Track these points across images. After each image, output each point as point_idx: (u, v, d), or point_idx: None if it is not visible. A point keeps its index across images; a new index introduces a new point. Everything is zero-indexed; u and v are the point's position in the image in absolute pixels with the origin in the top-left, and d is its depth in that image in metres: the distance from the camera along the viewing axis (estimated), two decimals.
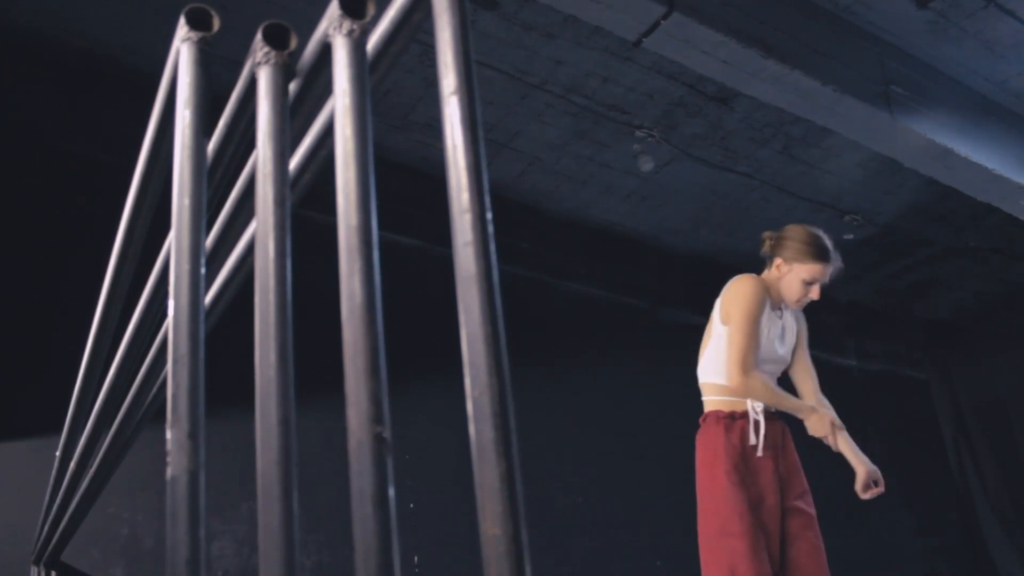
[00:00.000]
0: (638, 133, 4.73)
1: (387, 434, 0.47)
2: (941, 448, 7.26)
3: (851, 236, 5.89)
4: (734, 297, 2.61)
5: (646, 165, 4.81)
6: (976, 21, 4.01)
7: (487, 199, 0.48)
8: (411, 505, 4.10)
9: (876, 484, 2.64)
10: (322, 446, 3.82)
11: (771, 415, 2.59)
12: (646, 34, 3.39)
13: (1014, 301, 7.01)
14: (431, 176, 4.77)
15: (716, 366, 2.61)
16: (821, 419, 2.61)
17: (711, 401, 2.63)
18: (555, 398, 4.91)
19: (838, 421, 2.65)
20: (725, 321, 2.60)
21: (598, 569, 4.54)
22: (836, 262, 2.76)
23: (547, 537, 4.48)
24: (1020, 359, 6.96)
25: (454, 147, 0.49)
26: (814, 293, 2.70)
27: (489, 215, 0.48)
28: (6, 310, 3.42)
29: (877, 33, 4.08)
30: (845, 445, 2.66)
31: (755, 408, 2.56)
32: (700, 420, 2.63)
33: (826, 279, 2.72)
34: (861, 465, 2.65)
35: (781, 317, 2.74)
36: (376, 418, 0.47)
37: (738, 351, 2.51)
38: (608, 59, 4.18)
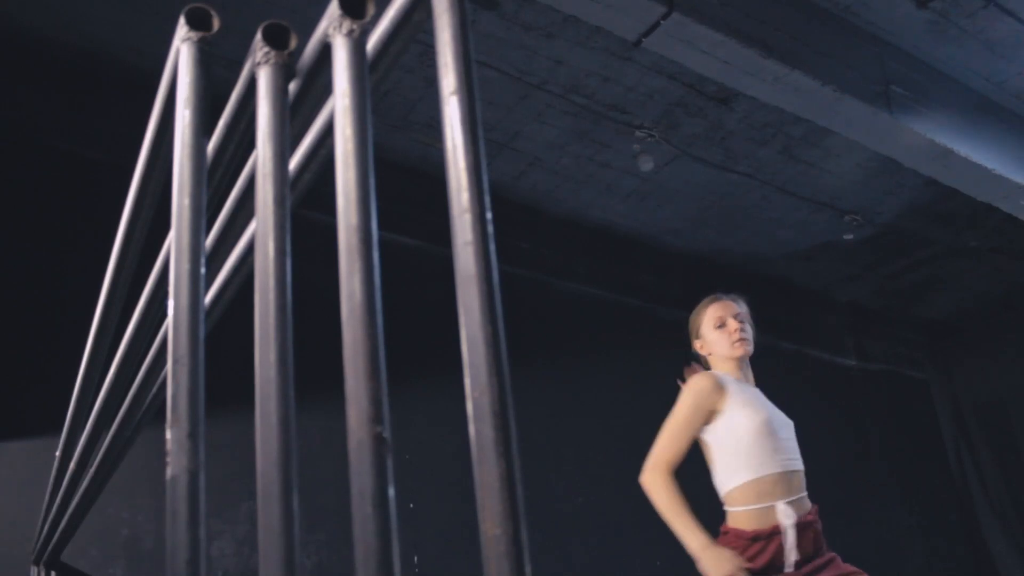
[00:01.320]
0: (638, 133, 4.73)
1: (387, 434, 0.47)
2: (941, 448, 7.26)
3: (851, 236, 5.90)
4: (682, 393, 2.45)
5: (646, 165, 4.81)
6: (976, 21, 4.01)
7: (487, 199, 0.48)
8: (411, 505, 4.10)
9: None
10: (322, 446, 3.82)
11: (803, 526, 2.31)
12: (646, 34, 3.39)
13: (1014, 301, 7.01)
14: (431, 176, 4.77)
15: (723, 470, 2.40)
16: (717, 561, 2.17)
17: (734, 516, 2.35)
18: (555, 398, 4.91)
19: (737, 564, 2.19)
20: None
21: (598, 569, 4.54)
22: (728, 296, 2.59)
23: (547, 537, 4.48)
24: (1020, 359, 6.96)
25: (454, 147, 0.49)
26: (732, 326, 2.49)
27: (489, 215, 0.48)
28: (6, 310, 3.42)
29: (877, 33, 4.08)
30: None
31: (787, 517, 2.28)
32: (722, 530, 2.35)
33: (733, 311, 2.53)
34: None
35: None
36: (376, 418, 0.47)
37: (659, 448, 2.35)
38: (608, 59, 4.18)
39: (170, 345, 0.59)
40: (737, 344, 2.49)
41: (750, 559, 2.23)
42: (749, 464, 2.34)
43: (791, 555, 2.26)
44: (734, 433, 2.38)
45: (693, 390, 2.40)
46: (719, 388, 2.41)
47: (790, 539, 2.26)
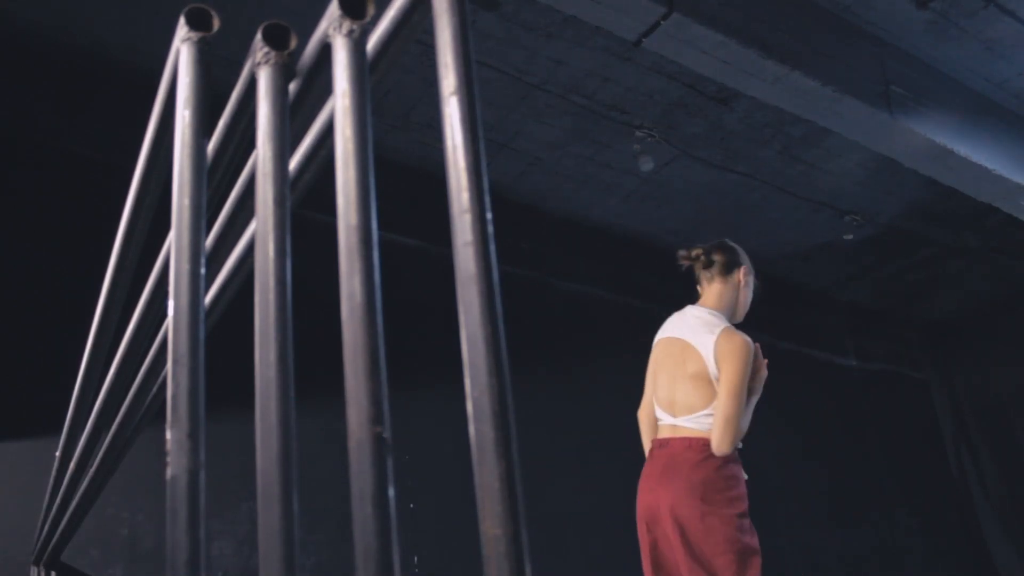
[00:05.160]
0: (638, 133, 4.73)
1: (387, 434, 0.47)
2: (941, 448, 7.26)
3: (851, 236, 5.90)
4: (732, 355, 2.51)
5: (646, 165, 4.81)
6: (976, 21, 4.01)
7: (487, 199, 0.48)
8: (411, 505, 4.10)
9: None
10: (322, 446, 3.82)
11: None
12: (646, 34, 3.39)
13: (1014, 301, 7.01)
14: (431, 176, 4.77)
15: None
16: (761, 383, 2.61)
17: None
18: (555, 398, 4.91)
19: None
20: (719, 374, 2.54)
21: (598, 569, 4.54)
22: None
23: (547, 537, 4.48)
24: (1020, 359, 6.96)
25: (454, 147, 0.49)
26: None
27: (489, 215, 0.48)
28: (6, 310, 3.43)
29: (877, 33, 4.08)
30: None
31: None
32: (707, 451, 2.48)
33: None
34: None
35: None
36: (376, 418, 0.47)
37: (734, 419, 2.44)
38: (608, 59, 4.18)
39: (170, 345, 0.59)
40: (743, 315, 2.75)
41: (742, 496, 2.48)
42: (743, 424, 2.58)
43: None
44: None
45: (748, 352, 2.52)
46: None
47: None
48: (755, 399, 2.55)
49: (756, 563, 2.36)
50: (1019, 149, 4.55)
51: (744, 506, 2.43)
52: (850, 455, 6.47)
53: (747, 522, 2.43)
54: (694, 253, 2.75)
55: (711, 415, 2.52)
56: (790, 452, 6.04)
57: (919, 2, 3.90)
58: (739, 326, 2.74)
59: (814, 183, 5.35)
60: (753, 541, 2.40)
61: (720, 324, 2.59)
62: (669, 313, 2.84)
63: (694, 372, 2.57)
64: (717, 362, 2.52)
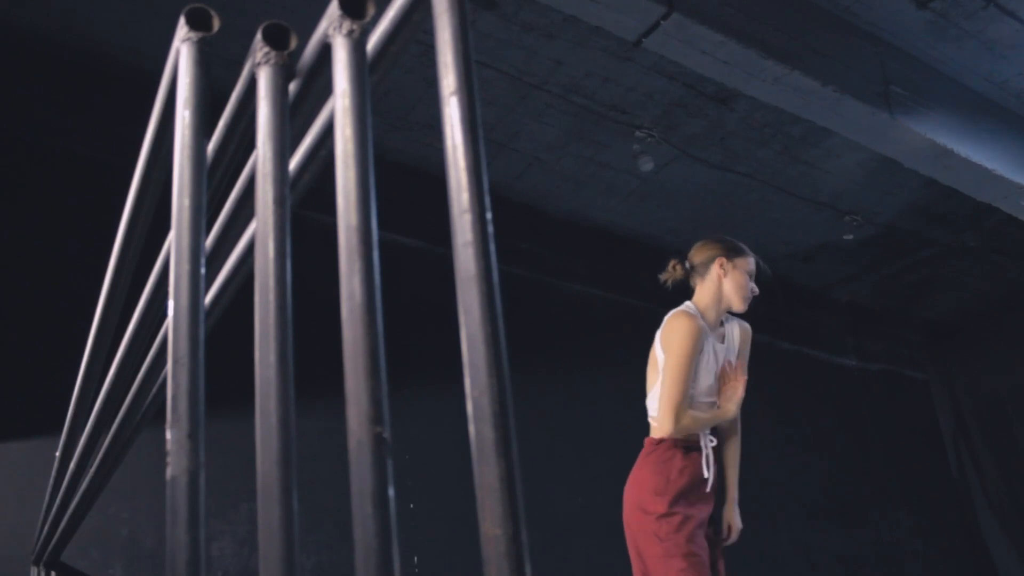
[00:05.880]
0: (638, 133, 4.73)
1: (387, 434, 0.47)
2: (941, 448, 7.26)
3: (851, 236, 5.90)
4: (671, 334, 2.54)
5: (646, 165, 4.81)
6: (976, 21, 4.01)
7: (487, 199, 0.48)
8: (411, 505, 4.10)
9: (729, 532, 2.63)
10: (322, 446, 3.82)
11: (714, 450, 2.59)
12: (646, 34, 3.39)
13: (1014, 301, 7.01)
14: (431, 176, 4.77)
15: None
16: (731, 400, 2.56)
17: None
18: (555, 398, 4.91)
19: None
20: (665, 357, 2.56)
21: (598, 569, 4.54)
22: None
23: (547, 537, 4.48)
24: (1020, 359, 6.96)
25: (454, 147, 0.49)
26: (754, 288, 2.68)
27: (489, 215, 0.48)
28: (6, 310, 3.42)
29: (877, 33, 4.08)
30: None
31: (707, 442, 2.54)
32: (649, 444, 2.55)
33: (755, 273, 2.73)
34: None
35: (723, 340, 2.70)
36: (376, 418, 0.47)
37: (671, 398, 2.46)
38: (608, 59, 4.18)
39: (170, 345, 0.59)
40: (746, 303, 2.66)
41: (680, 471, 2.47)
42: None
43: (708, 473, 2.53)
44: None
45: (691, 334, 2.51)
46: (704, 336, 2.57)
47: (710, 458, 2.55)
48: (721, 415, 2.53)
49: (675, 565, 2.32)
50: (1019, 149, 4.55)
51: (663, 506, 2.39)
52: (850, 455, 6.46)
53: (674, 520, 2.37)
54: (670, 266, 2.76)
55: (655, 399, 2.58)
56: (790, 452, 6.04)
57: (919, 2, 3.90)
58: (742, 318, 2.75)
59: (814, 183, 5.35)
60: (677, 539, 2.34)
61: (676, 310, 2.63)
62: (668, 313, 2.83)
63: (651, 359, 2.66)
64: (662, 346, 2.57)
